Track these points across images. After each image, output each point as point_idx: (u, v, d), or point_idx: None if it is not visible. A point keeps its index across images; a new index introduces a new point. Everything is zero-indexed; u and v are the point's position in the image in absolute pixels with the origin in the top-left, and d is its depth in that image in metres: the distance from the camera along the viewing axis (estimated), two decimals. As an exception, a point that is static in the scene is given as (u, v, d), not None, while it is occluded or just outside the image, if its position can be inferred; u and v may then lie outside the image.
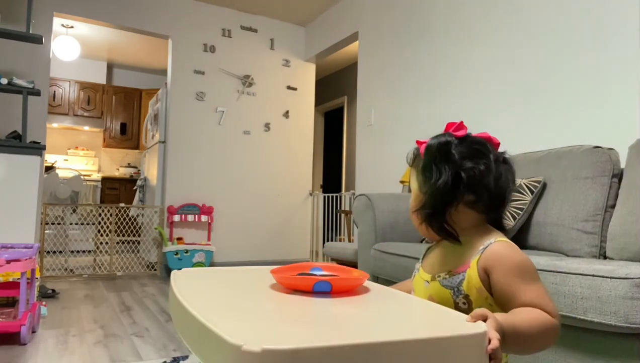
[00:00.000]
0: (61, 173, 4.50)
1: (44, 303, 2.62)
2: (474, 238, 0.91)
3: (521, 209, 1.94)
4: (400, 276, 1.96)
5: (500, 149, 1.01)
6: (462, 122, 0.97)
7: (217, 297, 0.87)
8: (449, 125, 0.97)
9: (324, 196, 5.08)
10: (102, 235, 4.19)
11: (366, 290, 0.94)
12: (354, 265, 3.02)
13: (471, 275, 0.87)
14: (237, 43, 4.82)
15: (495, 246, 0.86)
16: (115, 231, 4.25)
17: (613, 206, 1.78)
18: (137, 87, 7.05)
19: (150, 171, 4.87)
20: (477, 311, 0.71)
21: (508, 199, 0.93)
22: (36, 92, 3.23)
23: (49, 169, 4.82)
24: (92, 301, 3.00)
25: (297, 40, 5.19)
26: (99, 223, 4.19)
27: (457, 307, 0.88)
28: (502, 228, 0.95)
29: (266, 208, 4.91)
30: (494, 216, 0.94)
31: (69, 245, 4.30)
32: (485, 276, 0.86)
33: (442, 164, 0.92)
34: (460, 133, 0.96)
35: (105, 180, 6.38)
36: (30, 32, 3.21)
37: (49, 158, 6.43)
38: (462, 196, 0.90)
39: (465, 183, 0.89)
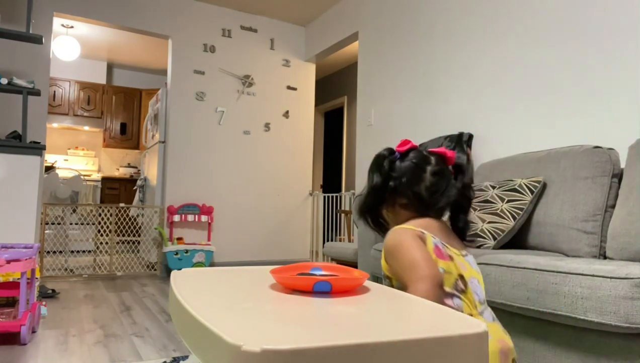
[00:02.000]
0: (61, 173, 4.50)
1: (44, 303, 2.62)
2: (448, 228, 1.08)
3: (521, 209, 1.94)
4: (400, 276, 1.95)
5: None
6: (407, 140, 1.15)
7: (217, 297, 0.87)
8: (402, 142, 1.16)
9: (324, 196, 5.08)
10: (102, 235, 4.19)
11: (366, 290, 0.94)
12: (354, 265, 3.02)
13: (382, 263, 1.07)
14: (237, 43, 4.82)
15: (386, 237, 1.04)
16: (115, 231, 4.25)
17: (613, 206, 1.78)
18: (137, 87, 7.06)
19: (150, 171, 4.87)
20: None
21: (442, 202, 1.09)
22: (36, 92, 3.23)
23: (49, 169, 4.82)
24: (92, 301, 3.00)
25: (297, 40, 5.19)
26: (99, 223, 4.19)
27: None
28: (456, 227, 1.11)
29: (266, 208, 4.91)
30: (433, 216, 1.10)
31: (69, 245, 4.30)
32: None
33: (375, 173, 1.15)
34: (400, 149, 1.15)
35: (105, 180, 6.38)
36: (30, 32, 3.21)
37: (49, 158, 6.43)
38: (393, 200, 1.12)
39: (392, 189, 1.11)
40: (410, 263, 0.97)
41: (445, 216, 1.14)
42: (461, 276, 1.01)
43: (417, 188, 1.09)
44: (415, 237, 1.01)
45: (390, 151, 1.16)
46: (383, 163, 1.15)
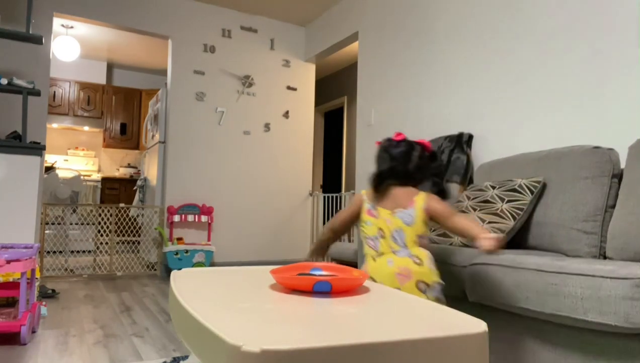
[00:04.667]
0: (61, 173, 4.50)
1: (44, 303, 2.62)
2: (407, 192, 1.57)
3: (521, 209, 1.94)
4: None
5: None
6: (400, 133, 1.69)
7: (217, 297, 0.87)
8: (396, 134, 1.69)
9: (324, 196, 5.08)
10: (102, 235, 4.19)
11: (366, 290, 0.94)
12: (354, 265, 3.02)
13: (417, 209, 1.52)
14: (237, 43, 4.82)
15: (432, 196, 1.56)
16: (115, 231, 4.25)
17: (613, 206, 1.78)
18: (137, 87, 7.06)
19: (150, 171, 4.87)
20: (491, 236, 1.33)
21: (424, 176, 1.63)
22: (36, 93, 3.23)
23: (49, 169, 4.82)
24: (92, 302, 3.00)
25: (297, 40, 5.19)
26: (99, 223, 4.19)
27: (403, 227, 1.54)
28: (436, 191, 1.62)
29: (266, 208, 4.91)
30: (417, 184, 1.61)
31: (69, 245, 4.30)
32: (428, 210, 1.52)
33: (381, 156, 1.67)
34: (396, 138, 1.68)
35: (105, 180, 6.38)
36: (30, 32, 3.21)
37: (49, 158, 6.43)
38: (394, 173, 1.60)
39: (393, 167, 1.61)
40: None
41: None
42: (380, 229, 1.54)
43: (408, 167, 1.61)
44: (355, 198, 1.68)
45: (389, 140, 1.69)
46: (385, 149, 1.68)
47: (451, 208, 1.55)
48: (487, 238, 1.31)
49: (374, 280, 1.43)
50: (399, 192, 1.56)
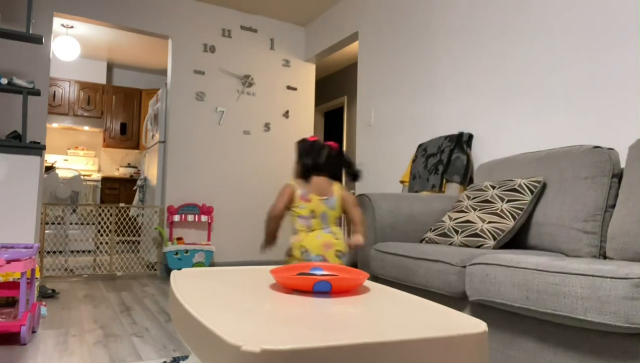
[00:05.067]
0: (61, 173, 4.50)
1: (44, 303, 2.62)
2: (325, 181, 2.04)
3: (521, 209, 1.94)
4: (400, 276, 1.96)
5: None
6: (314, 136, 2.15)
7: (217, 297, 0.87)
8: (311, 137, 2.15)
9: (324, 196, 5.08)
10: (102, 235, 4.19)
11: (366, 290, 0.94)
12: (354, 265, 3.02)
13: (337, 198, 2.02)
14: (237, 43, 4.82)
15: (345, 191, 2.07)
16: (115, 231, 4.25)
17: (613, 206, 1.78)
18: (137, 87, 7.06)
19: (150, 171, 4.87)
20: (360, 237, 2.00)
21: (334, 168, 2.08)
22: (36, 92, 3.23)
23: (49, 169, 4.82)
24: (92, 301, 3.00)
25: (297, 40, 5.19)
26: (99, 223, 4.19)
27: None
28: (339, 179, 2.11)
29: (266, 208, 4.89)
30: (329, 174, 2.06)
31: (69, 245, 4.30)
32: (343, 198, 2.04)
33: (301, 153, 2.09)
34: (311, 139, 2.13)
35: (105, 180, 6.38)
36: (30, 32, 3.21)
37: (49, 158, 6.43)
38: (307, 167, 2.05)
39: (313, 161, 2.05)
40: (276, 199, 2.07)
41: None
42: (312, 211, 2.01)
43: (317, 162, 2.05)
44: (286, 188, 2.06)
45: (305, 140, 2.13)
46: (300, 146, 2.12)
47: (355, 199, 2.13)
48: (358, 237, 2.00)
49: (305, 248, 2.01)
50: (319, 181, 2.05)
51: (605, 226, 1.77)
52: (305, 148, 2.10)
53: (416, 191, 3.04)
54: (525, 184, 1.99)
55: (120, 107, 6.84)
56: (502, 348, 1.50)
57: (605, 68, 2.23)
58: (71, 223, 4.38)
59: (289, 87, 5.09)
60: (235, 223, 4.72)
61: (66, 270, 4.11)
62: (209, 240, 4.54)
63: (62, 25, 5.44)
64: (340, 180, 2.12)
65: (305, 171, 2.06)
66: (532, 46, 2.61)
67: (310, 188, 2.04)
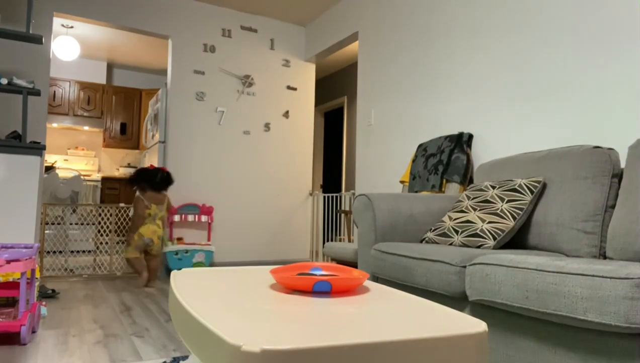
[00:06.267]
0: (61, 173, 4.49)
1: (44, 303, 2.62)
2: (159, 195, 3.62)
3: (521, 209, 1.94)
4: (400, 276, 1.96)
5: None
6: (152, 164, 3.97)
7: (217, 297, 0.87)
8: (150, 165, 3.77)
9: (324, 196, 5.08)
10: (102, 235, 4.19)
11: (366, 290, 0.94)
12: (354, 265, 3.02)
13: (166, 205, 3.71)
14: (237, 43, 4.82)
15: (168, 199, 3.74)
16: (115, 231, 4.25)
17: (613, 206, 1.78)
18: (137, 87, 7.06)
19: (150, 171, 4.87)
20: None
21: (166, 185, 3.66)
22: (36, 92, 3.23)
23: (49, 169, 4.81)
24: (92, 301, 3.00)
25: (297, 40, 5.19)
26: (99, 223, 4.19)
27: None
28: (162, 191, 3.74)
29: (266, 208, 4.91)
30: (162, 190, 3.66)
31: (69, 245, 4.30)
32: (169, 205, 3.77)
33: (143, 176, 3.61)
34: (151, 167, 3.62)
35: (105, 180, 6.38)
36: (30, 32, 3.21)
37: (49, 158, 6.43)
38: (153, 185, 3.61)
39: (136, 182, 3.62)
40: (135, 209, 3.57)
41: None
42: (150, 214, 3.50)
43: (144, 184, 3.55)
44: (138, 200, 3.55)
45: (146, 169, 3.60)
46: (138, 173, 3.61)
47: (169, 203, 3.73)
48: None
49: (141, 234, 3.48)
50: (154, 194, 3.58)
51: (605, 226, 1.77)
52: (147, 173, 3.58)
53: (416, 191, 3.04)
54: (525, 184, 1.99)
55: (120, 107, 6.84)
56: (502, 348, 1.50)
57: (605, 68, 2.23)
58: (71, 223, 4.37)
59: (289, 87, 5.09)
60: (235, 223, 4.72)
61: (66, 270, 4.11)
62: (209, 240, 4.54)
63: (62, 25, 5.44)
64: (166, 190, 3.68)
65: (146, 188, 3.55)
66: (532, 46, 2.61)
67: (150, 198, 3.55)
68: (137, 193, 3.57)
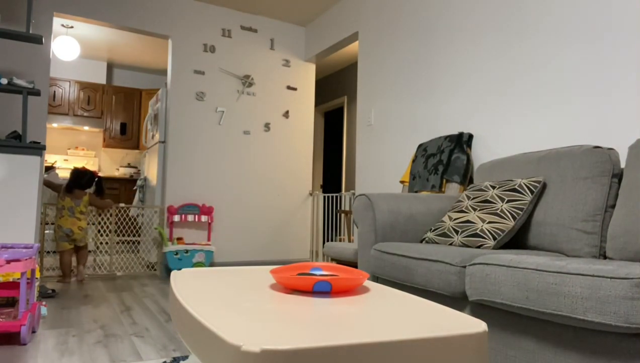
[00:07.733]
0: (61, 173, 4.50)
1: (44, 303, 2.62)
2: (80, 192, 3.93)
3: (521, 209, 1.94)
4: (400, 276, 1.96)
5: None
6: (85, 167, 4.09)
7: (217, 297, 0.87)
8: (83, 167, 4.08)
9: (324, 196, 5.08)
10: (102, 235, 4.19)
11: (366, 290, 0.94)
12: (354, 265, 3.02)
13: (84, 201, 3.93)
14: (237, 43, 4.83)
15: (92, 194, 4.02)
16: (115, 231, 4.24)
17: (613, 206, 1.78)
18: (137, 87, 7.06)
19: (150, 171, 4.87)
20: None
21: (89, 185, 3.96)
22: (36, 92, 3.23)
23: (49, 169, 4.81)
24: (92, 301, 3.00)
25: (297, 40, 5.19)
26: (99, 223, 4.19)
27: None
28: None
29: (266, 208, 4.91)
30: (85, 188, 3.95)
31: (69, 245, 4.29)
32: (90, 200, 4.01)
33: (73, 176, 3.92)
34: (82, 169, 3.96)
35: (105, 180, 6.38)
36: (30, 32, 3.21)
37: (49, 158, 6.43)
38: (84, 185, 3.97)
39: (85, 183, 3.96)
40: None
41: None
42: (64, 206, 3.83)
43: (80, 184, 3.91)
44: (61, 191, 3.90)
45: (78, 169, 3.95)
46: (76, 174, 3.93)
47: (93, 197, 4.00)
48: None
49: (61, 226, 3.76)
50: (78, 191, 3.86)
51: (605, 226, 1.77)
52: (77, 174, 3.89)
53: (416, 191, 3.04)
54: (525, 184, 1.99)
55: (120, 107, 6.84)
56: (502, 348, 1.50)
57: (605, 68, 2.23)
58: (71, 223, 4.36)
59: (289, 87, 5.09)
60: (235, 223, 4.72)
61: (66, 270, 4.11)
62: (209, 240, 4.54)
63: (62, 25, 5.45)
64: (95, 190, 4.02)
65: (72, 187, 3.84)
66: (532, 46, 2.61)
67: (73, 196, 3.84)
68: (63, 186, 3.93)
